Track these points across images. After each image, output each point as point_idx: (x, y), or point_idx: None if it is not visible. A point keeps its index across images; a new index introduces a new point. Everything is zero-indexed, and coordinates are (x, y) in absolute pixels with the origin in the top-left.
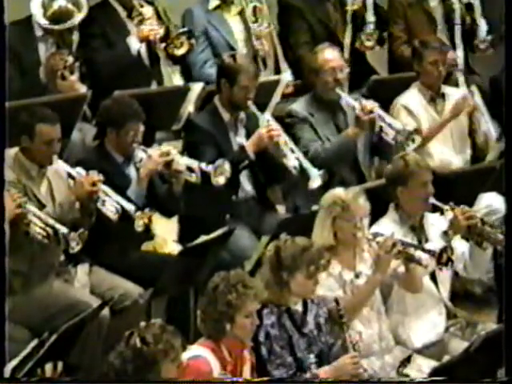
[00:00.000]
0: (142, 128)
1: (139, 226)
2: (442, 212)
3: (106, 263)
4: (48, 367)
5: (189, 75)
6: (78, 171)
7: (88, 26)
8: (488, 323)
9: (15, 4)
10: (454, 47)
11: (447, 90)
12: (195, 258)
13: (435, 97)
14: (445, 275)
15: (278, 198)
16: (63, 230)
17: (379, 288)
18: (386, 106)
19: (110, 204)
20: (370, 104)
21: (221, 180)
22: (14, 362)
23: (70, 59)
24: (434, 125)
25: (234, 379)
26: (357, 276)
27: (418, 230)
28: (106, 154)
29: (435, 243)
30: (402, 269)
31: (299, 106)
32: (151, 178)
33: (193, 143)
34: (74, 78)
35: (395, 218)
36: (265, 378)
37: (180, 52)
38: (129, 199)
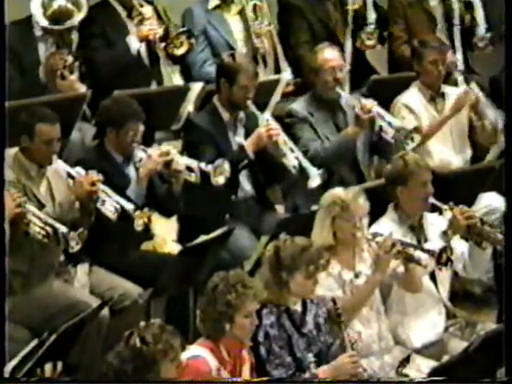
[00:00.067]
0: (141, 128)
1: (139, 225)
2: (440, 212)
3: (105, 263)
4: (48, 367)
5: (188, 75)
6: (78, 171)
7: (88, 26)
8: (487, 323)
9: (15, 4)
10: (453, 46)
11: (447, 89)
12: (195, 257)
13: (435, 96)
14: (444, 275)
15: (278, 197)
16: (63, 229)
17: (379, 288)
18: (386, 105)
19: (110, 204)
20: (370, 103)
21: (220, 180)
22: (14, 362)
23: (70, 59)
24: (435, 121)
25: (234, 379)
26: (356, 276)
27: (418, 229)
28: (106, 154)
29: (434, 243)
30: (401, 269)
31: (299, 106)
32: (151, 178)
33: (192, 143)
34: (74, 77)
35: (394, 217)
36: (264, 378)
37: (180, 52)
38: (128, 199)
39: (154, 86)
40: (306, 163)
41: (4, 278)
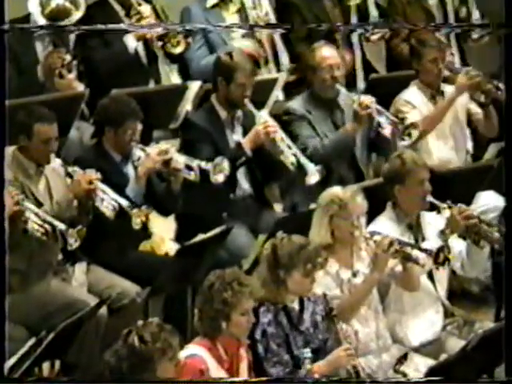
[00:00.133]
0: (139, 127)
1: (136, 223)
2: (438, 211)
3: (103, 262)
4: (45, 366)
5: (186, 73)
6: (76, 169)
7: (86, 25)
8: (485, 322)
9: (13, 2)
10: (449, 43)
11: (446, 87)
12: (193, 256)
13: (435, 95)
14: (442, 274)
15: (276, 196)
16: (61, 226)
17: (377, 287)
18: (385, 103)
19: (108, 202)
20: (368, 99)
21: (220, 178)
22: (12, 361)
23: (68, 58)
24: (440, 105)
25: (233, 379)
26: (354, 275)
27: (415, 228)
28: (104, 153)
29: (432, 242)
30: (399, 268)
31: (297, 104)
32: (149, 177)
33: (189, 141)
34: (72, 76)
35: (392, 216)
36: (263, 378)
37: (177, 50)
38: (127, 198)
39: (151, 85)
40: (303, 160)
41: (4, 277)
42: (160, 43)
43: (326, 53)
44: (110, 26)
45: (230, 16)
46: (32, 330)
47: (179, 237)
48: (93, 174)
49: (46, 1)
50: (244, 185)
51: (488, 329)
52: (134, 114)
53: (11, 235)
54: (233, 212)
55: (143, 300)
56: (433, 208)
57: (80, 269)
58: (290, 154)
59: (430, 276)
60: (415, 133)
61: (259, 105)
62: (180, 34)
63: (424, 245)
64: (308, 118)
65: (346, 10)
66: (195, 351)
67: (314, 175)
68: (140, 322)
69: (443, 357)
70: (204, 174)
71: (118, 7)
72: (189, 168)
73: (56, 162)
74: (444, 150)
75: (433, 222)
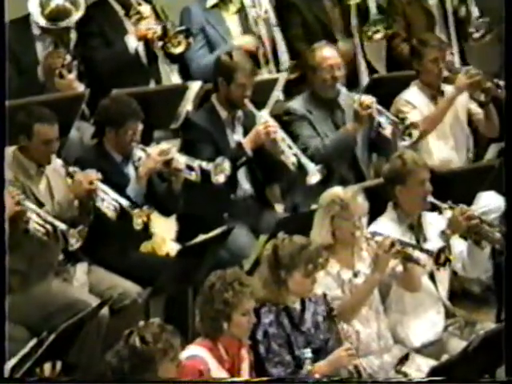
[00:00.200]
0: (140, 127)
1: (138, 224)
2: (440, 211)
3: (104, 262)
4: (47, 366)
5: (187, 74)
6: (76, 170)
7: (86, 25)
8: (486, 322)
9: (13, 3)
10: (449, 40)
11: (447, 88)
12: (194, 257)
13: (436, 95)
14: (443, 274)
15: (277, 196)
16: (62, 226)
17: (378, 287)
18: (385, 104)
19: (109, 202)
20: (368, 99)
21: (220, 178)
22: (13, 361)
23: (68, 58)
24: (441, 103)
25: (234, 379)
26: (355, 275)
27: (417, 228)
28: (105, 153)
29: (434, 242)
30: (400, 268)
31: (297, 104)
32: (150, 177)
33: (190, 141)
34: (72, 76)
35: (393, 216)
36: (264, 378)
37: (178, 50)
38: (128, 198)
39: (152, 85)
40: (304, 160)
41: (4, 277)
42: (160, 43)
43: (327, 53)
44: None
45: (230, 16)
46: (33, 331)
47: (180, 237)
48: (93, 175)
49: (46, 1)
50: (245, 185)
51: (489, 329)
52: (134, 114)
53: (12, 235)
54: (234, 212)
55: (144, 300)
56: (434, 208)
57: (81, 269)
58: (290, 154)
59: (431, 276)
60: (415, 133)
61: (260, 105)
62: (181, 34)
63: (425, 245)
64: (308, 118)
65: (345, 9)
66: (196, 352)
67: (314, 175)
68: (141, 323)
69: (445, 357)
70: (205, 174)
71: (117, 7)
72: (190, 168)
73: (57, 163)
74: (444, 150)
75: (434, 223)
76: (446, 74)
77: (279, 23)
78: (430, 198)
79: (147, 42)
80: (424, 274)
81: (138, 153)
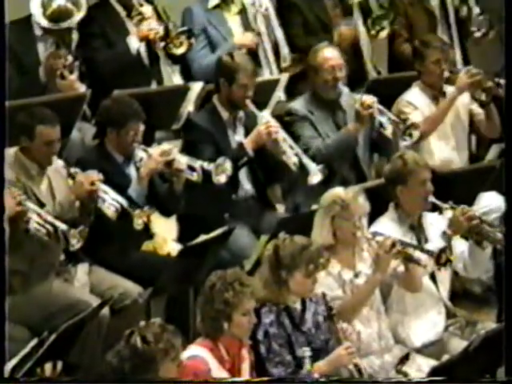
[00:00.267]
0: (142, 128)
1: (138, 224)
2: (440, 211)
3: (105, 262)
4: (47, 367)
5: (189, 74)
6: (78, 170)
7: (87, 26)
8: (487, 322)
9: (15, 3)
10: (451, 43)
11: (449, 88)
12: (195, 257)
13: (438, 95)
14: (444, 274)
15: (278, 196)
16: (63, 226)
17: (379, 287)
18: (386, 104)
19: (110, 203)
20: (370, 99)
21: (222, 179)
22: (14, 362)
23: (70, 58)
24: (441, 104)
25: (234, 379)
26: (356, 275)
27: (418, 229)
28: (106, 154)
29: (435, 243)
30: (401, 268)
31: (299, 104)
32: (151, 178)
33: (191, 142)
34: (74, 77)
35: (394, 217)
36: (264, 378)
37: (179, 51)
38: (129, 199)
39: (153, 86)
40: (306, 160)
41: (4, 278)
42: (162, 44)
43: (328, 54)
44: None
45: (232, 16)
46: (34, 331)
47: (181, 237)
48: (95, 175)
49: (48, 2)
50: (246, 185)
51: (490, 329)
52: (136, 114)
53: (13, 236)
54: (235, 213)
55: (145, 300)
56: (435, 208)
57: (82, 269)
58: (292, 155)
59: (432, 277)
60: (416, 133)
61: (261, 105)
62: (182, 35)
63: (426, 246)
64: (310, 118)
65: (347, 9)
66: (197, 352)
67: (316, 175)
68: (142, 323)
69: (445, 357)
70: (206, 174)
71: (119, 8)
72: (191, 169)
73: (58, 163)
74: (446, 150)
75: (435, 223)
76: (447, 74)
77: (280, 22)
78: (431, 199)
79: (149, 43)
80: (425, 274)
81: (140, 153)
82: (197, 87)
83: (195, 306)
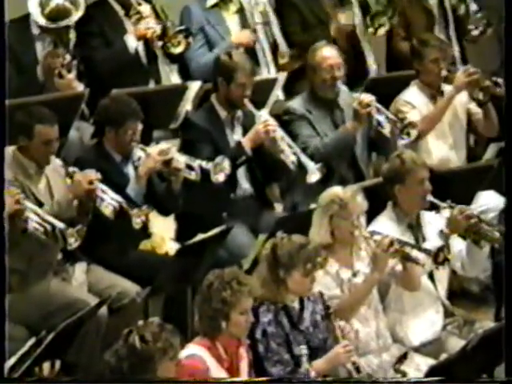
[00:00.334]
0: (140, 127)
1: (137, 223)
2: (438, 210)
3: (103, 262)
4: (46, 366)
5: (187, 74)
6: (76, 170)
7: (85, 25)
8: (485, 321)
9: (13, 2)
10: (449, 42)
11: (447, 87)
12: (193, 256)
13: (436, 94)
14: (442, 273)
15: (276, 195)
16: (60, 225)
17: (377, 286)
18: (385, 103)
19: (108, 202)
20: (368, 97)
21: (220, 177)
22: (12, 361)
23: (68, 57)
24: (439, 103)
25: (234, 379)
26: (354, 274)
27: (416, 228)
28: (104, 153)
29: (432, 242)
30: (399, 267)
31: (297, 104)
32: (149, 177)
33: (190, 141)
34: (72, 76)
35: (392, 216)
36: (264, 378)
37: (177, 50)
38: (127, 198)
39: (151, 85)
40: (304, 158)
41: (3, 277)
42: (160, 43)
43: (327, 53)
44: None
45: (230, 16)
46: (32, 330)
47: (179, 236)
48: (93, 175)
49: (46, 1)
50: (244, 184)
51: (488, 328)
52: (134, 114)
53: (11, 235)
54: (233, 212)
55: (143, 300)
56: (433, 207)
57: (80, 268)
58: (290, 153)
59: (430, 276)
60: (414, 132)
61: (259, 105)
62: (180, 34)
63: (424, 245)
64: (308, 117)
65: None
66: (195, 351)
67: (314, 174)
68: (141, 322)
69: (443, 356)
70: (204, 173)
71: (117, 7)
72: (189, 168)
73: (56, 163)
74: (443, 149)
75: (433, 222)
76: (445, 73)
77: (278, 19)
78: (429, 198)
79: (147, 42)
80: (423, 273)
81: (138, 152)
82: (195, 86)
83: (193, 305)
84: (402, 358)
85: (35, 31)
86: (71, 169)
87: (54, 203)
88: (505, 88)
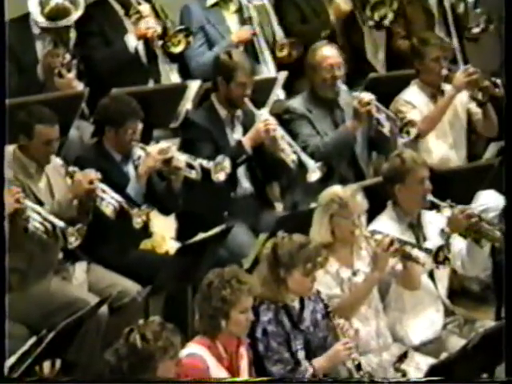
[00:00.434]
0: (140, 126)
1: (137, 223)
2: (438, 209)
3: (104, 261)
4: (46, 365)
5: (186, 73)
6: (76, 169)
7: (85, 24)
8: (486, 320)
9: (13, 2)
10: (450, 41)
11: (447, 87)
12: (193, 255)
13: (436, 94)
14: (442, 273)
15: (276, 195)
16: (60, 224)
17: (377, 285)
18: (385, 103)
19: (108, 202)
20: (367, 96)
21: (221, 176)
22: (12, 360)
23: (67, 57)
24: (440, 103)
25: (234, 379)
26: (354, 274)
27: (416, 227)
28: (105, 152)
29: (433, 241)
30: (399, 266)
31: (297, 103)
32: (150, 176)
33: (190, 140)
34: (72, 75)
35: (393, 215)
36: (264, 378)
37: (177, 49)
38: (127, 197)
39: (151, 84)
40: (304, 157)
41: (3, 276)
42: (160, 42)
43: (327, 52)
44: None
45: (230, 15)
46: (32, 329)
47: (180, 236)
48: (93, 174)
49: (46, 0)
50: (245, 183)
51: (489, 328)
52: (134, 113)
53: (12, 234)
54: (233, 211)
55: (144, 299)
56: (433, 207)
57: (80, 268)
58: (290, 152)
59: (431, 275)
60: (414, 130)
61: (259, 104)
62: (180, 33)
63: (425, 244)
64: (308, 116)
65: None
66: (195, 350)
67: (314, 172)
68: (141, 321)
69: (444, 356)
70: (205, 172)
71: (117, 6)
72: (190, 167)
73: (56, 162)
74: (444, 148)
75: (433, 221)
76: (445, 72)
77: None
78: (430, 197)
79: (147, 41)
80: (423, 272)
81: (138, 152)
82: (195, 85)
83: (193, 305)
84: (403, 357)
85: (35, 31)
86: (71, 168)
87: (54, 203)
88: (504, 88)
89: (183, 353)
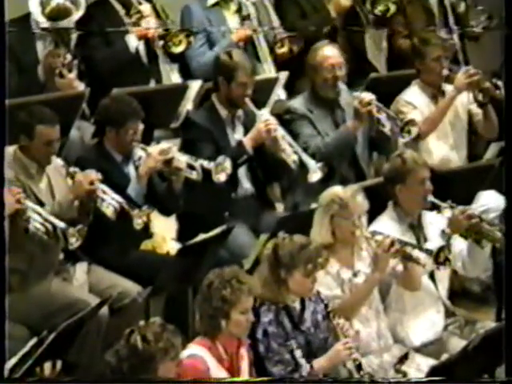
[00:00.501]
0: (141, 126)
1: (138, 223)
2: (439, 210)
3: (104, 262)
4: (47, 366)
5: (187, 73)
6: (76, 170)
7: (86, 24)
8: (486, 321)
9: (13, 2)
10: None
11: (448, 87)
12: (194, 256)
13: (437, 94)
14: (443, 273)
15: (277, 195)
16: (61, 225)
17: (378, 286)
18: (385, 103)
19: (109, 202)
20: (368, 96)
21: (222, 177)
22: (13, 361)
23: (68, 57)
24: (440, 103)
25: (234, 379)
26: (355, 274)
27: (417, 228)
28: (105, 153)
29: (434, 242)
30: (400, 267)
31: (298, 103)
32: (150, 176)
33: (190, 140)
34: (72, 75)
35: (393, 216)
36: (264, 378)
37: (178, 50)
38: (128, 198)
39: (152, 84)
40: (305, 157)
41: (4, 276)
42: (161, 42)
43: (328, 52)
44: None
45: (231, 15)
46: (33, 330)
47: (180, 236)
48: (94, 175)
49: (47, 0)
50: (245, 184)
51: (489, 328)
52: (135, 113)
53: (12, 235)
54: (234, 211)
55: (144, 300)
56: (434, 207)
57: (81, 269)
58: (291, 152)
59: (431, 276)
60: (414, 129)
61: (260, 104)
62: (181, 33)
63: (426, 245)
64: (309, 117)
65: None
66: (195, 351)
67: (315, 172)
68: (142, 322)
69: (444, 357)
70: (206, 173)
71: (118, 6)
72: (191, 167)
73: (57, 162)
74: (444, 149)
75: (434, 222)
76: (446, 72)
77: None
78: (430, 197)
79: (148, 41)
80: (424, 273)
81: (139, 152)
82: (195, 85)
83: (194, 305)
84: (403, 358)
85: (36, 31)
86: (72, 169)
87: (55, 203)
88: (505, 88)
89: (184, 354)
